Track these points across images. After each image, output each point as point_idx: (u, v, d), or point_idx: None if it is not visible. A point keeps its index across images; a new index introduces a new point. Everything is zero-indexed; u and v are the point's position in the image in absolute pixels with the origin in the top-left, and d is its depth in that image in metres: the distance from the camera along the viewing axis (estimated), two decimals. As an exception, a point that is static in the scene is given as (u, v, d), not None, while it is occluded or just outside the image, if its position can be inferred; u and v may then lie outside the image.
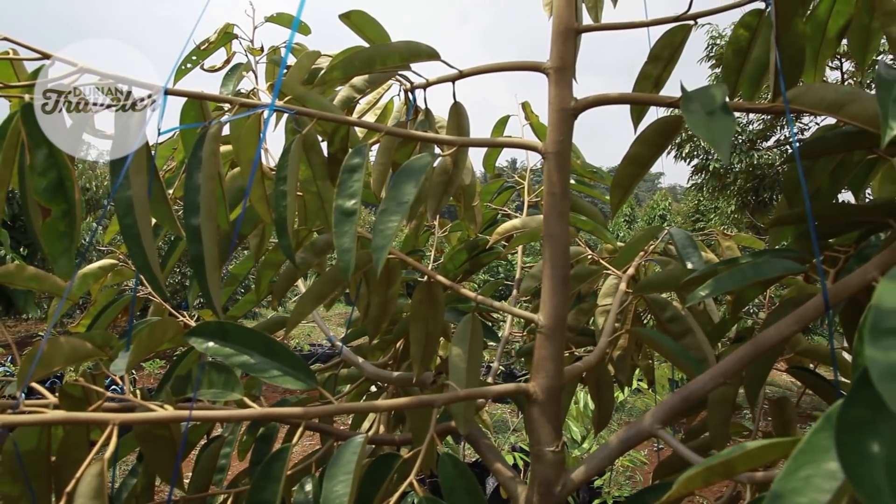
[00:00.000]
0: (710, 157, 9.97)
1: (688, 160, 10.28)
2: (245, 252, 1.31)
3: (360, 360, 1.15)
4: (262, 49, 1.45)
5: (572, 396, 1.11)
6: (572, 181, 1.48)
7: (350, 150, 0.82)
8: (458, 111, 0.96)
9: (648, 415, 0.76)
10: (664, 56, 0.91)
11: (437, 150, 0.90)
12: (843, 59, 8.95)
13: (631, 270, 1.15)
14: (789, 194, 0.92)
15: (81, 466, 0.56)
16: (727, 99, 0.70)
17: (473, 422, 0.85)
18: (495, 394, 0.76)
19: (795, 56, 0.83)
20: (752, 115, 9.96)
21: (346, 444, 0.66)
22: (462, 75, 0.89)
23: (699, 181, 10.49)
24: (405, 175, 0.79)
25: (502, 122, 1.55)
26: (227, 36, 1.48)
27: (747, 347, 0.73)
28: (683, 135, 10.07)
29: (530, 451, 0.79)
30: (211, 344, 0.73)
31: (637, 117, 0.93)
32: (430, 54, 0.87)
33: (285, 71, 1.30)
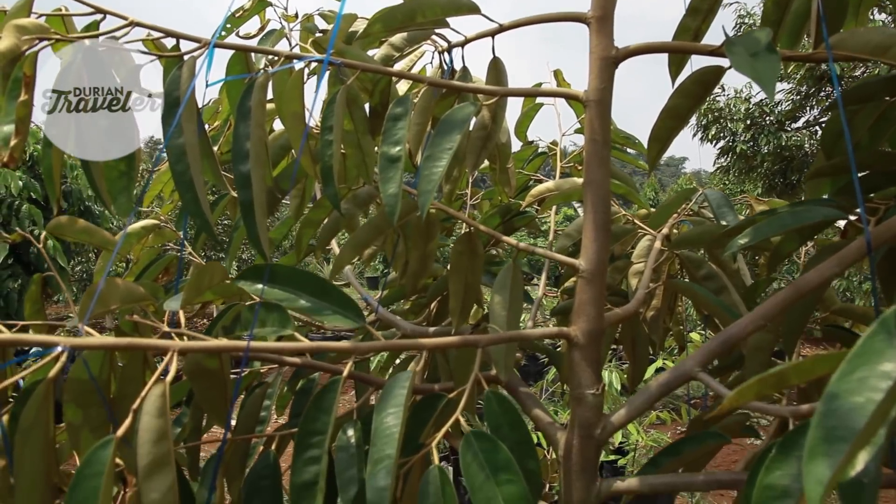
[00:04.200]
0: (736, 139, 9.82)
1: (714, 142, 10.14)
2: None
3: (398, 318, 1.17)
4: (296, 16, 1.47)
5: (611, 343, 1.12)
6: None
7: (391, 103, 0.84)
8: (496, 66, 0.97)
9: (689, 358, 0.77)
10: (703, 8, 0.90)
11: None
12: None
13: (665, 230, 1.15)
14: (827, 147, 0.92)
15: (138, 398, 0.58)
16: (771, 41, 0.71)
17: (513, 370, 0.87)
18: (537, 336, 0.77)
19: (837, 4, 0.82)
20: (780, 96, 9.79)
21: (394, 379, 0.69)
22: (502, 29, 0.90)
23: (725, 164, 10.34)
24: (448, 124, 0.80)
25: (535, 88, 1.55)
26: (261, 3, 1.50)
27: (788, 290, 0.74)
28: (710, 115, 9.93)
29: (570, 396, 0.81)
30: (261, 286, 0.76)
31: (675, 70, 0.93)
32: (471, 7, 0.88)
33: (320, 34, 1.32)
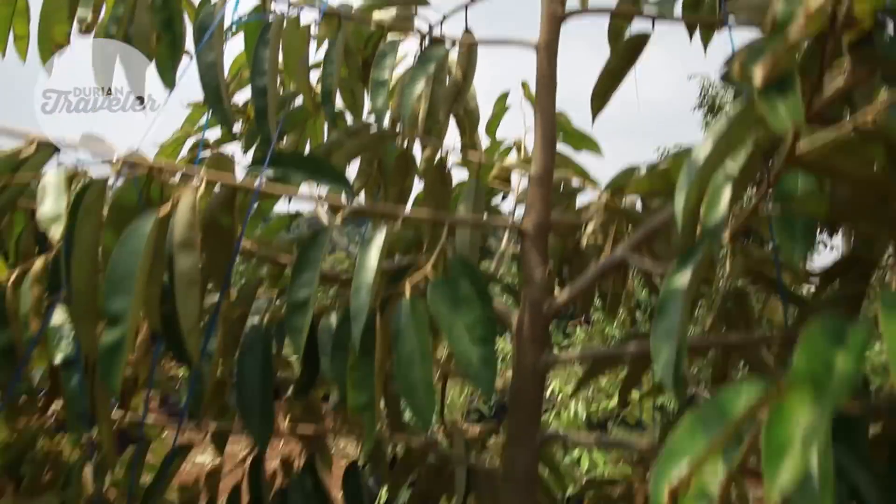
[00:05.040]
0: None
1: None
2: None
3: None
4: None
5: (559, 263, 1.26)
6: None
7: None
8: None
9: (620, 247, 0.94)
10: (635, -8, 1.13)
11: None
12: None
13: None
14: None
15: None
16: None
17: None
18: (495, 224, 0.94)
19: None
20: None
21: (373, 231, 0.84)
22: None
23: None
24: (424, 59, 1.00)
25: (503, 98, 1.77)
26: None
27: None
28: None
29: (521, 278, 0.96)
30: (269, 171, 0.92)
31: (615, 42, 1.14)
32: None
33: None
